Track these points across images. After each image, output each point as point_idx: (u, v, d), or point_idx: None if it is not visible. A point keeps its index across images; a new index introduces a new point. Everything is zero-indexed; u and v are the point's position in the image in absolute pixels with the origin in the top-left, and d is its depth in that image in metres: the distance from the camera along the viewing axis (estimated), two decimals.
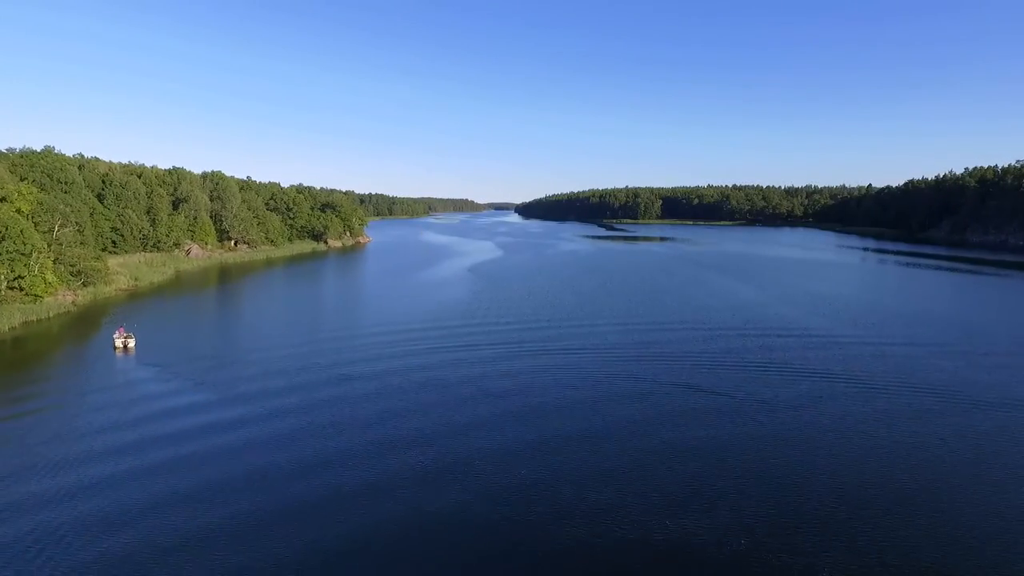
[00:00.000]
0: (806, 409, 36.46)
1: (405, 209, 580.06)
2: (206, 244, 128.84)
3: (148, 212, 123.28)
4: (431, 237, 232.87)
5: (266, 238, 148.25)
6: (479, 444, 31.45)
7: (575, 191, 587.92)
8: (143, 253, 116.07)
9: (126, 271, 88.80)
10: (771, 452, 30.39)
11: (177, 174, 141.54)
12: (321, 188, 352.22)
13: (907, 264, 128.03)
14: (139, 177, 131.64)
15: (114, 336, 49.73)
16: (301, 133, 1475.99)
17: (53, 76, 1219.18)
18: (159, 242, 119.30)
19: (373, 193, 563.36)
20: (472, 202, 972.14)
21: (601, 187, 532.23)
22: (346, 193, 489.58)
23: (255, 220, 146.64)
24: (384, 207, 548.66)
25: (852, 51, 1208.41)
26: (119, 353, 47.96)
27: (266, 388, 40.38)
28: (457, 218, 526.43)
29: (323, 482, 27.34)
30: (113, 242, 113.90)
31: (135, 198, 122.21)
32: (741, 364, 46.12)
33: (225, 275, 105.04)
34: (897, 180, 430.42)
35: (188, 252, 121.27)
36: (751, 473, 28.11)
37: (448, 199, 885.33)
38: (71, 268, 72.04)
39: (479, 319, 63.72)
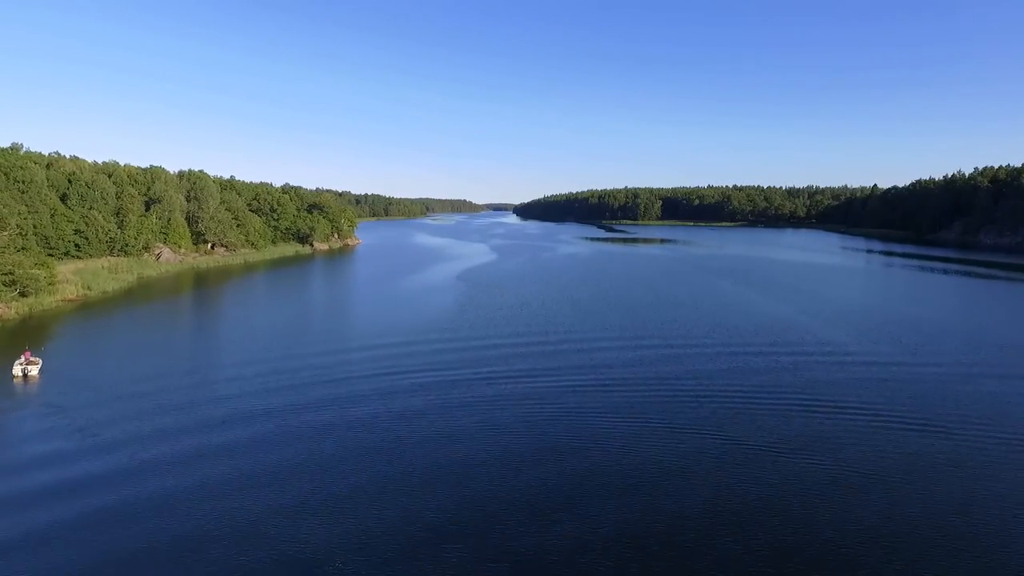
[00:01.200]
0: (876, 472, 28.62)
1: (402, 210, 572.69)
2: (179, 247, 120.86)
3: (117, 213, 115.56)
4: (424, 239, 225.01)
5: (246, 240, 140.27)
6: (438, 506, 23.70)
7: (574, 191, 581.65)
8: (108, 257, 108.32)
9: (79, 278, 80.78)
10: (831, 532, 22.53)
11: (151, 173, 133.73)
12: (317, 188, 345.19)
13: (929, 269, 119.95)
14: (109, 176, 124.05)
15: (16, 362, 41.70)
16: (297, 133, 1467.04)
17: (42, 75, 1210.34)
18: (127, 245, 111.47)
19: (369, 194, 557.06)
20: (470, 203, 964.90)
21: (600, 187, 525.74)
22: (341, 194, 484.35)
23: (235, 222, 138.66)
24: (380, 207, 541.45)
25: (852, 51, 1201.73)
26: (18, 383, 39.92)
27: (190, 426, 32.62)
28: (454, 219, 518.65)
29: (250, 553, 20.24)
30: (76, 245, 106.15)
31: (102, 198, 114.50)
32: (779, 400, 38.09)
33: (193, 282, 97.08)
34: (901, 180, 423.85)
35: (158, 256, 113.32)
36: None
37: (446, 199, 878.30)
38: (5, 277, 64.11)
39: (463, 336, 55.83)
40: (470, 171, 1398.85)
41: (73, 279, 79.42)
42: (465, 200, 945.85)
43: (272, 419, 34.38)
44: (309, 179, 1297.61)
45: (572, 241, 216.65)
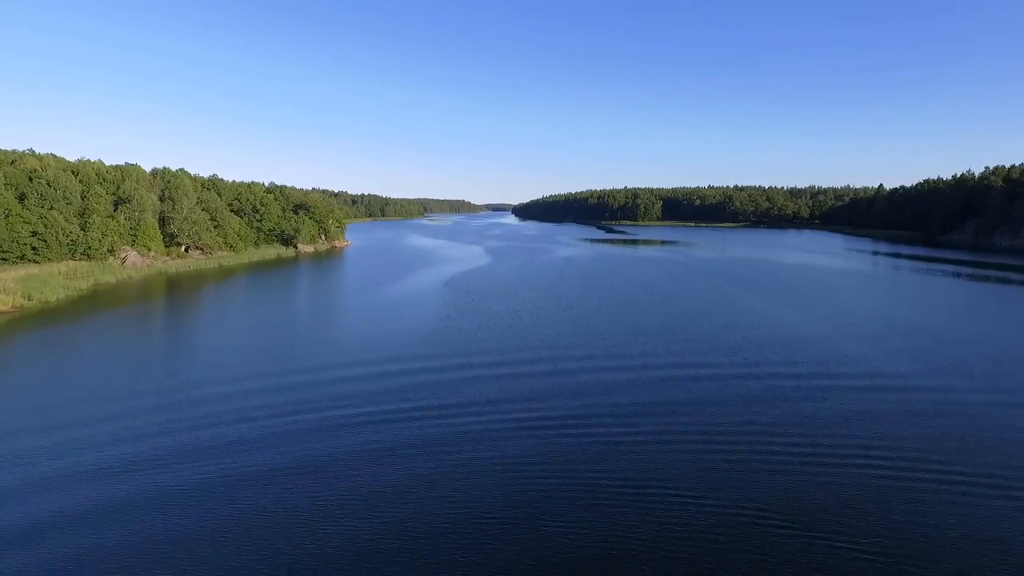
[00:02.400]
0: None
1: (398, 210, 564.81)
2: (148, 250, 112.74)
3: (82, 214, 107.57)
4: (417, 241, 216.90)
5: (224, 243, 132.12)
6: None
7: (573, 192, 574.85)
8: (68, 262, 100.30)
9: (22, 287, 72.71)
10: None
11: (121, 171, 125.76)
12: (313, 188, 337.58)
13: (956, 275, 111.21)
14: (75, 174, 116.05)
15: None
16: (295, 133, 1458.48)
17: (30, 73, 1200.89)
18: (89, 248, 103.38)
19: (366, 194, 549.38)
20: (469, 203, 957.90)
21: (600, 187, 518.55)
22: (338, 194, 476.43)
23: (212, 223, 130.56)
24: (376, 208, 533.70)
25: (851, 52, 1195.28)
26: None
27: (87, 468, 24.71)
28: (451, 219, 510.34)
29: None
30: (34, 249, 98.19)
31: (64, 198, 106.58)
32: (832, 451, 30.00)
33: (155, 289, 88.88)
34: (906, 180, 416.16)
35: (124, 260, 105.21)
36: None
37: (445, 200, 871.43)
38: None
39: (440, 356, 47.79)
40: (469, 171, 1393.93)
41: (14, 288, 71.38)
42: (464, 200, 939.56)
43: (183, 466, 26.44)
44: (306, 179, 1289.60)
45: (571, 243, 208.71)
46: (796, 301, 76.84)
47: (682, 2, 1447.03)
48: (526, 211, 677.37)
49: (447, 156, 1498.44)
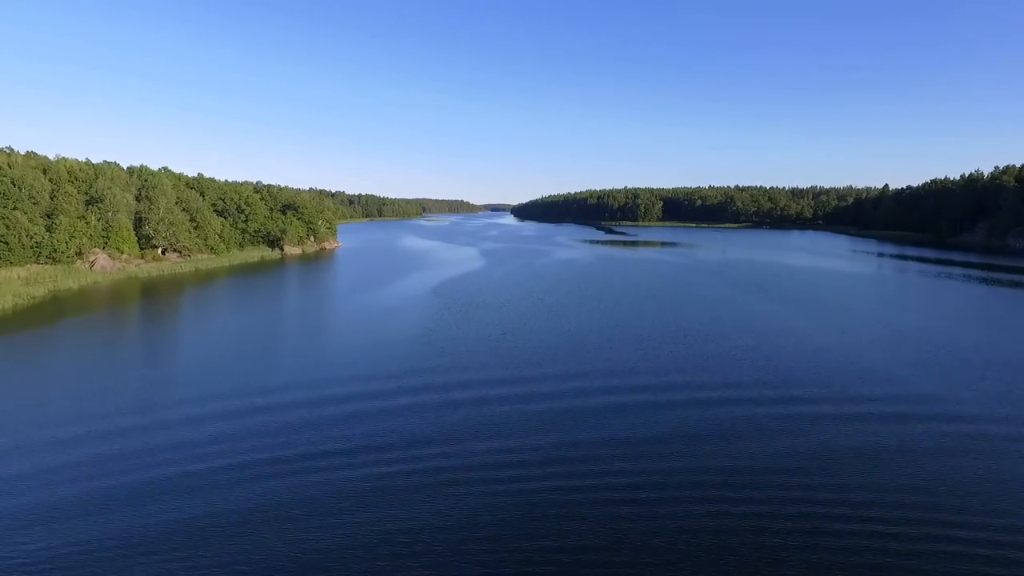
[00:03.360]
0: None
1: (396, 210, 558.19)
2: (121, 253, 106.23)
3: (50, 215, 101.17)
4: (411, 242, 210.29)
5: (205, 244, 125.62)
6: None
7: (572, 192, 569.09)
8: (32, 265, 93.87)
9: None
10: None
11: (95, 169, 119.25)
12: (310, 189, 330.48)
13: (981, 279, 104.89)
14: (45, 172, 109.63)
15: None
16: (293, 132, 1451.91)
17: (26, 73, 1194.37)
18: (55, 251, 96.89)
19: (363, 194, 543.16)
20: (468, 203, 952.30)
21: (599, 188, 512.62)
22: (335, 194, 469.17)
23: (192, 224, 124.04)
24: (374, 208, 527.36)
25: (852, 52, 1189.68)
26: None
27: None
28: (448, 220, 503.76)
29: None
30: None
31: (31, 197, 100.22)
32: (890, 505, 23.77)
33: (119, 296, 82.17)
34: (910, 180, 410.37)
35: (92, 264, 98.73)
36: None
37: (443, 200, 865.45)
38: None
39: (416, 375, 41.38)
40: (468, 171, 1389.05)
41: None
42: (463, 201, 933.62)
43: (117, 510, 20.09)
44: (303, 179, 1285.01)
45: (570, 244, 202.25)
46: (814, 310, 70.43)
47: (682, 2, 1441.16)
48: (525, 211, 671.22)
49: (446, 156, 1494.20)
